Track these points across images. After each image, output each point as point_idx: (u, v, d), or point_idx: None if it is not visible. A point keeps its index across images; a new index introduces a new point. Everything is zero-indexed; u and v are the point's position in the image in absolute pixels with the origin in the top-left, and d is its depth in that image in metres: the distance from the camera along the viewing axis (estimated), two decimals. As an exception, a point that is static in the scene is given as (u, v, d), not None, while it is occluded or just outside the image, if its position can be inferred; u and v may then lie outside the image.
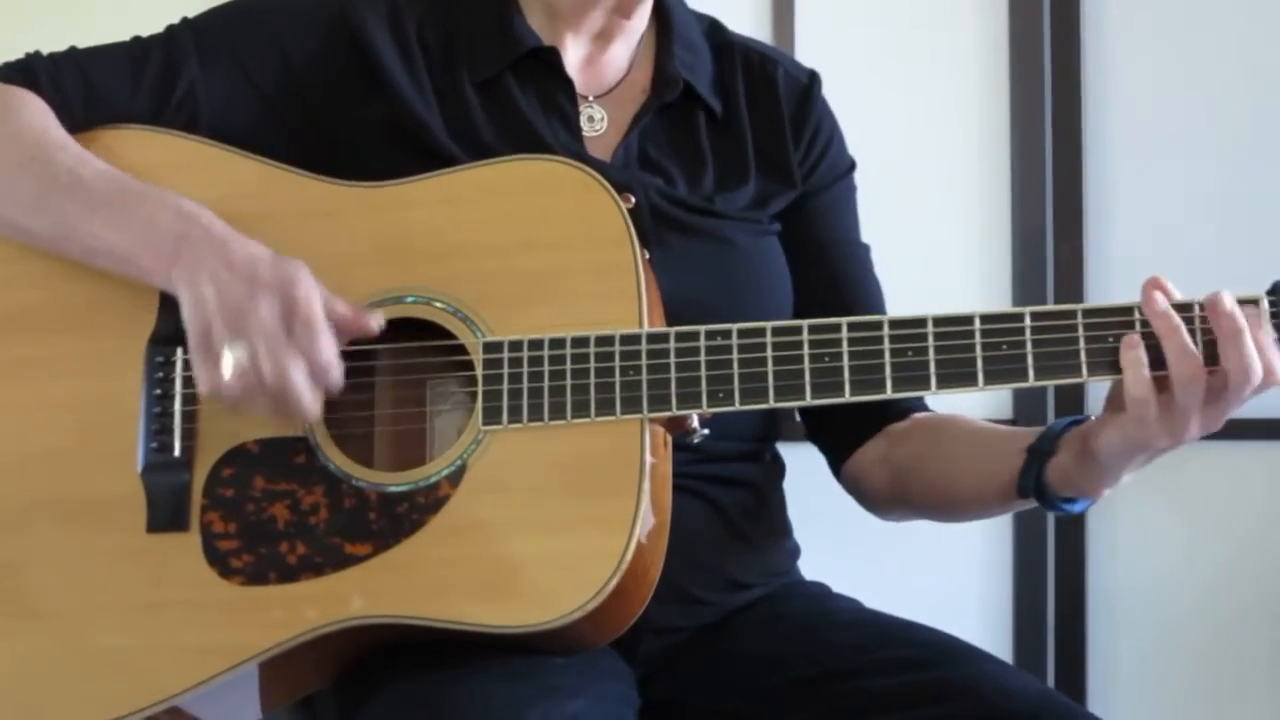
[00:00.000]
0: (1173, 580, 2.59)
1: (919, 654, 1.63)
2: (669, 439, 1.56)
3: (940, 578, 2.60)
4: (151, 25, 1.74)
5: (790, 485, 1.84)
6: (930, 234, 2.58)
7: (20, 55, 1.71)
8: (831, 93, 1.88)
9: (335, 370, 1.51)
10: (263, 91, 1.70)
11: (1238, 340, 1.42)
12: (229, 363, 1.49)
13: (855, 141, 1.90)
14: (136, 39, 1.73)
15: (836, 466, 1.86)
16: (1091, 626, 2.59)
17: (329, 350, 1.51)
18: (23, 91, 1.66)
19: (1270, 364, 1.43)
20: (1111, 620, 2.60)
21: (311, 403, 1.51)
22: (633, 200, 1.67)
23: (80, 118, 1.67)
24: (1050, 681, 2.57)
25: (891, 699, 1.59)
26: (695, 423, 1.55)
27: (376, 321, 1.55)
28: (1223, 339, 1.43)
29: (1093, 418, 1.56)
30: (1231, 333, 1.42)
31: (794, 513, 1.85)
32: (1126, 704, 2.59)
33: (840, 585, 1.83)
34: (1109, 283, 2.55)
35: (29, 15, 2.60)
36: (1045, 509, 1.61)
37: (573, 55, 1.77)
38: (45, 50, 1.71)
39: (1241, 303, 1.45)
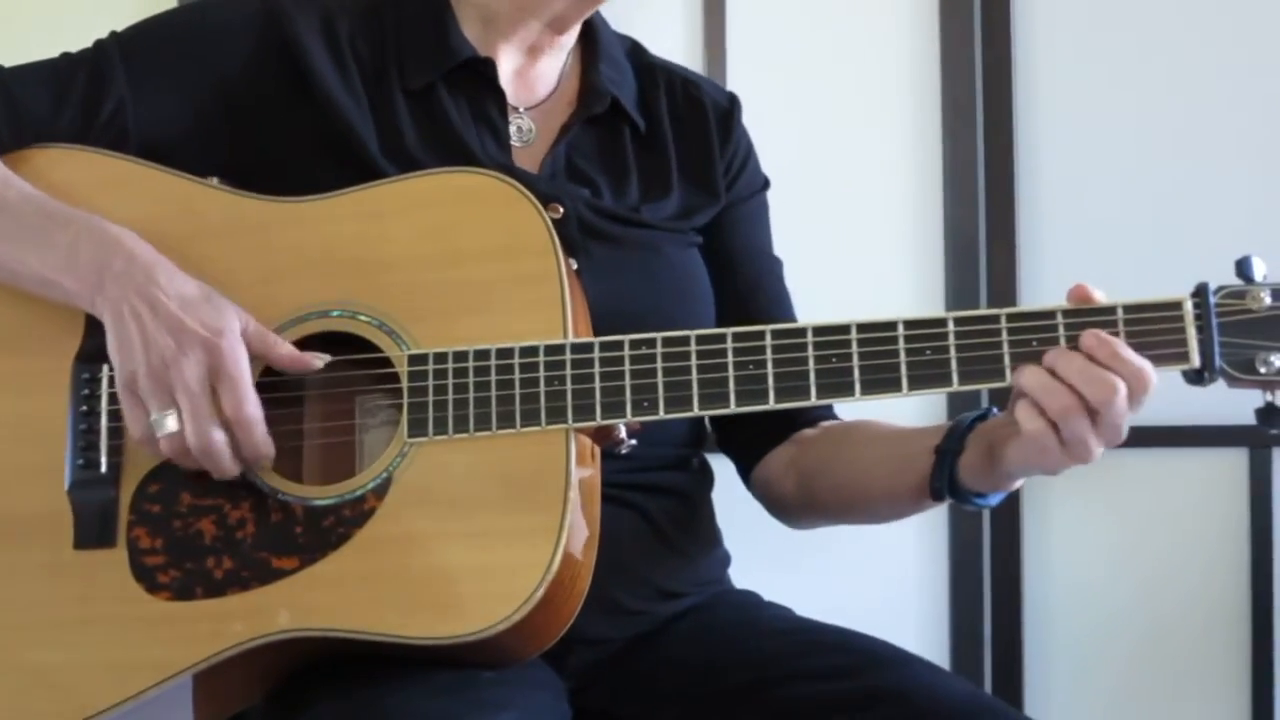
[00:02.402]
0: (1107, 584, 2.59)
1: (850, 660, 1.63)
2: (596, 451, 1.55)
3: (875, 584, 2.60)
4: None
5: (720, 493, 1.84)
6: (863, 241, 2.58)
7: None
8: (764, 103, 1.92)
9: (259, 430, 1.52)
10: (193, 103, 1.69)
11: (1082, 371, 1.42)
12: (159, 429, 1.51)
13: (788, 152, 1.93)
14: (65, 55, 1.72)
15: (745, 473, 1.86)
16: (1027, 630, 2.60)
17: (252, 409, 1.52)
18: None
19: (1132, 371, 1.42)
20: (1047, 624, 2.60)
21: (231, 464, 1.52)
22: (560, 210, 1.68)
23: (6, 137, 1.66)
24: (987, 685, 2.58)
25: (823, 706, 1.59)
26: (623, 434, 1.55)
27: (320, 360, 1.56)
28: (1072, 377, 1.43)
29: (996, 412, 1.57)
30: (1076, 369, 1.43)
31: (725, 521, 1.84)
32: (1062, 706, 2.60)
33: (772, 594, 1.83)
34: (1041, 288, 2.56)
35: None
36: (960, 505, 1.61)
37: (505, 67, 1.77)
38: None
39: (1165, 305, 1.45)
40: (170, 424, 1.51)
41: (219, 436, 1.51)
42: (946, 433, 1.60)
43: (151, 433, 1.52)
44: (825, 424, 1.81)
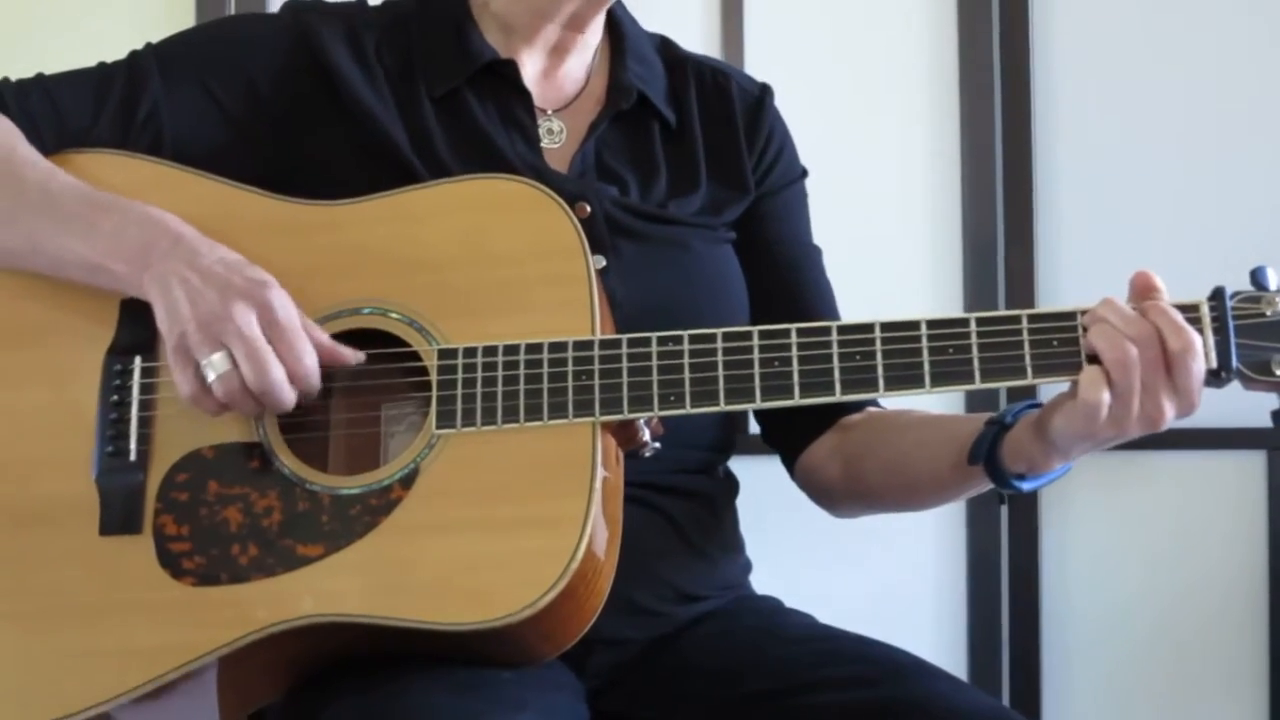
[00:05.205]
0: (1125, 587, 2.59)
1: (872, 670, 1.63)
2: (620, 454, 1.58)
3: (894, 593, 2.60)
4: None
5: (744, 500, 1.85)
6: (881, 241, 2.60)
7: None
8: (782, 103, 1.92)
9: (315, 375, 1.55)
10: (228, 114, 1.73)
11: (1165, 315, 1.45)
12: (210, 371, 1.53)
13: (806, 151, 1.93)
14: (102, 64, 1.76)
15: (790, 462, 1.87)
16: (1045, 634, 2.60)
17: (308, 355, 1.55)
18: None
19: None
20: (1065, 628, 2.60)
21: (291, 396, 1.55)
22: (588, 209, 1.71)
23: (49, 141, 1.70)
24: (1005, 689, 2.57)
25: (843, 715, 1.59)
26: (646, 436, 1.57)
27: (355, 357, 1.58)
28: (1156, 317, 1.45)
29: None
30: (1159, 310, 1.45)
31: (747, 528, 1.86)
32: (1081, 711, 2.59)
33: (793, 601, 1.83)
34: (1059, 289, 2.57)
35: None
36: (995, 483, 1.61)
37: (529, 69, 1.80)
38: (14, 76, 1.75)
39: (1182, 308, 1.47)
40: (221, 363, 1.52)
41: (278, 371, 1.53)
42: (1003, 410, 1.61)
43: (201, 388, 1.54)
44: (870, 409, 1.82)
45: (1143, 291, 1.49)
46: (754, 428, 1.90)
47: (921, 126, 2.64)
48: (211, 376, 1.53)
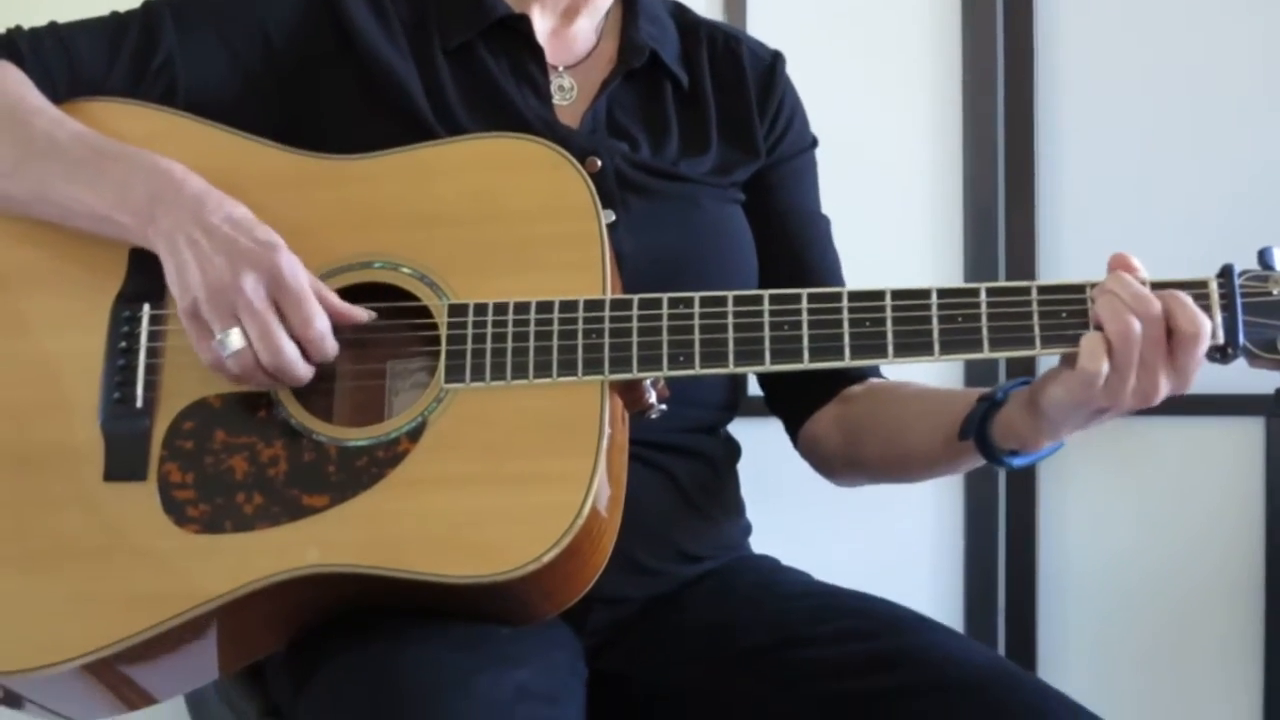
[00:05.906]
0: (1122, 552, 2.60)
1: (869, 624, 1.64)
2: (626, 416, 1.58)
3: (891, 552, 2.61)
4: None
5: (744, 464, 1.86)
6: (883, 207, 2.60)
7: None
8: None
9: (329, 341, 1.55)
10: (244, 66, 1.73)
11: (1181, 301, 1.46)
12: (224, 348, 1.53)
13: (809, 117, 1.94)
14: (115, 13, 1.76)
15: (793, 431, 1.89)
16: (1042, 598, 2.61)
17: (321, 324, 1.55)
18: (1, 62, 1.69)
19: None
20: (1062, 592, 2.62)
21: (306, 371, 1.55)
22: (598, 164, 1.72)
23: (62, 89, 1.69)
24: (1001, 652, 2.58)
25: (842, 668, 1.60)
26: (652, 398, 1.58)
27: (366, 316, 1.58)
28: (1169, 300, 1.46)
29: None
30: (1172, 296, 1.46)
31: (746, 490, 1.87)
32: (1076, 674, 2.60)
33: (791, 561, 1.85)
34: (1060, 256, 2.57)
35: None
36: (987, 459, 1.63)
37: (540, 27, 1.81)
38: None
39: (1190, 284, 1.48)
40: (235, 341, 1.52)
41: (290, 350, 1.53)
42: (996, 387, 1.62)
43: (218, 361, 1.54)
44: (872, 380, 1.84)
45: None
46: (754, 389, 1.91)
47: (924, 93, 2.64)
48: (226, 353, 1.53)
